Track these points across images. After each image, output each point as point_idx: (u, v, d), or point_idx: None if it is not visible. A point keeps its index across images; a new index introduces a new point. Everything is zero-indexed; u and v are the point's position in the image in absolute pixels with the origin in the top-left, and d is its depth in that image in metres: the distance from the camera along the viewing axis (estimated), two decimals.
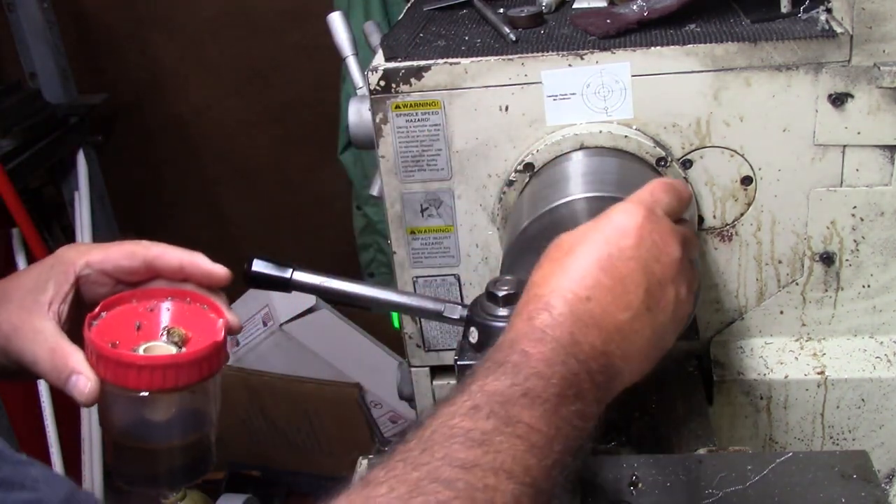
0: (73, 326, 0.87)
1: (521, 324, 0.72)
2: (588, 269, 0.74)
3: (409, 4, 1.45)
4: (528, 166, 1.15)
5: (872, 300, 1.20)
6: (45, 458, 2.43)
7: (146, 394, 0.83)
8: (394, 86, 1.14)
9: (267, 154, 3.26)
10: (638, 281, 0.75)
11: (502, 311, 0.83)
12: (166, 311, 0.90)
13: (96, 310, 0.87)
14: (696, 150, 1.14)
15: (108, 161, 3.07)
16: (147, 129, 3.27)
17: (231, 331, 0.89)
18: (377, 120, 1.16)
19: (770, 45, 1.07)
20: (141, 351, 0.85)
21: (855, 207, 1.15)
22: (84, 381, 0.82)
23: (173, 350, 0.86)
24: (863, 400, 1.19)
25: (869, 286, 1.19)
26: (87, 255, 0.91)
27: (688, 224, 0.86)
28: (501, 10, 1.26)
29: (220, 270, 0.93)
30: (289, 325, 2.75)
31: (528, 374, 0.67)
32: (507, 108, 1.14)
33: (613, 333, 0.73)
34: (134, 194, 3.29)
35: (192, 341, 0.87)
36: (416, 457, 0.62)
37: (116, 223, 3.13)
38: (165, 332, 0.88)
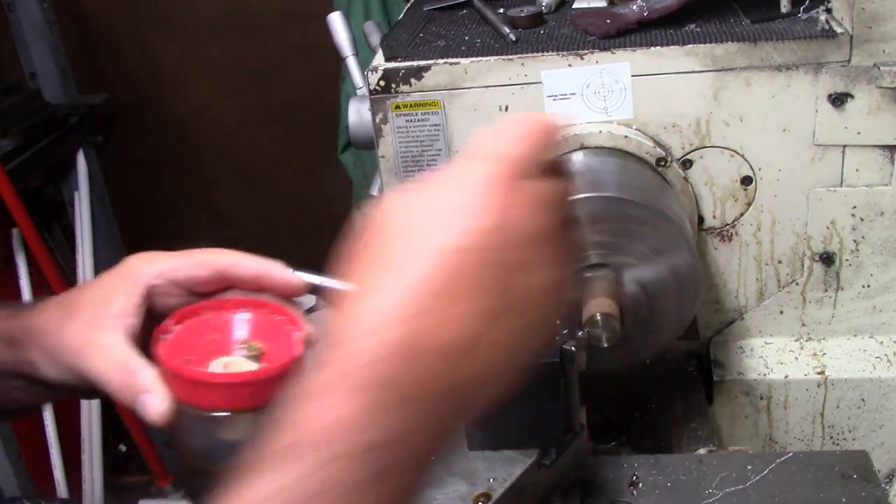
0: (145, 341, 0.81)
1: (317, 382, 0.54)
2: (410, 284, 0.55)
3: (409, 4, 1.45)
4: None
5: (872, 300, 1.20)
6: (45, 458, 2.43)
7: (225, 413, 0.75)
8: (394, 86, 1.14)
9: (267, 154, 3.26)
10: (484, 283, 0.56)
11: None
12: (242, 324, 0.83)
13: (166, 323, 0.81)
14: (695, 150, 1.14)
15: (108, 161, 3.07)
16: (147, 129, 3.27)
17: (309, 343, 0.81)
18: (377, 120, 1.16)
19: (770, 45, 1.07)
20: (217, 367, 0.79)
21: (855, 207, 1.15)
22: (156, 400, 0.75)
23: (251, 365, 0.79)
24: (863, 400, 1.19)
25: (869, 286, 1.19)
26: (157, 264, 0.85)
27: (554, 170, 0.63)
28: (501, 10, 1.26)
29: (297, 280, 0.85)
30: None
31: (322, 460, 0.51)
32: (507, 109, 1.14)
33: (443, 363, 0.54)
34: (134, 194, 3.29)
35: (268, 355, 0.80)
36: None
37: (116, 223, 3.13)
38: (241, 345, 0.81)
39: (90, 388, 0.81)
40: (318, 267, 1.06)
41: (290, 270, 0.85)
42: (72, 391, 0.86)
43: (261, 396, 0.75)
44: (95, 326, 0.80)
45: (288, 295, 0.86)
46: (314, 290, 1.06)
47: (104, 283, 0.84)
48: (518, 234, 0.57)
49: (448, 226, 0.56)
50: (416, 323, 0.54)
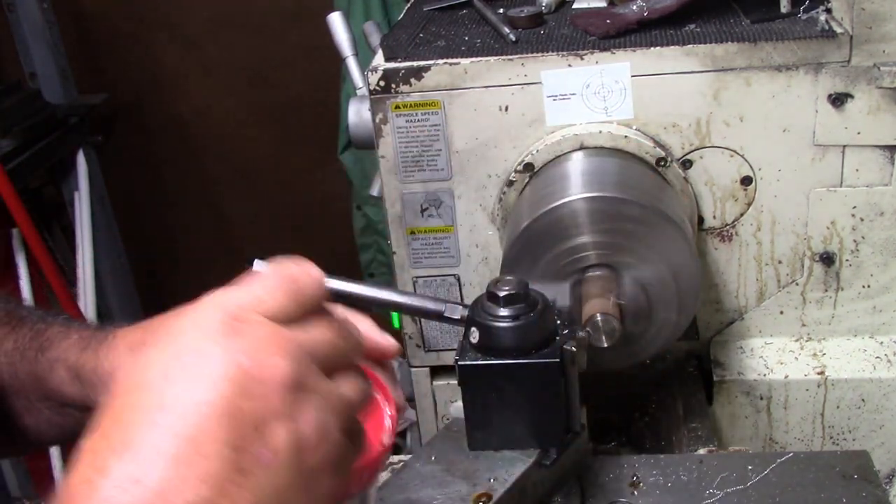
0: None
1: None
2: (135, 436, 0.49)
3: (409, 4, 1.45)
4: (528, 166, 1.15)
5: (872, 300, 1.20)
6: (46, 459, 2.43)
7: None
8: (394, 86, 1.14)
9: (267, 154, 3.26)
10: (212, 437, 0.49)
11: (503, 312, 0.83)
12: None
13: None
14: (696, 150, 1.14)
15: (108, 161, 3.08)
16: (147, 129, 3.27)
17: (397, 421, 0.73)
18: (377, 120, 1.16)
19: (770, 45, 1.07)
20: None
21: (855, 207, 1.15)
22: None
23: None
24: (863, 400, 1.19)
25: (869, 286, 1.19)
26: None
27: (318, 322, 0.58)
28: (501, 11, 1.26)
29: (390, 342, 0.76)
30: None
31: None
32: (506, 109, 1.14)
33: None
34: (134, 194, 3.29)
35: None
36: None
37: (116, 223, 3.13)
38: None
39: None
40: (318, 267, 1.06)
41: (383, 334, 0.77)
42: None
43: (352, 487, 0.67)
44: None
45: (380, 358, 0.77)
46: None
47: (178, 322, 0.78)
48: (259, 377, 0.51)
49: (179, 379, 0.51)
50: (152, 488, 0.47)
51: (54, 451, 2.41)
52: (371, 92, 1.15)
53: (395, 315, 1.33)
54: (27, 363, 0.86)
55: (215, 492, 0.48)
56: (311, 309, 0.58)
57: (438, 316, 0.92)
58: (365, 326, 0.75)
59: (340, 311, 0.70)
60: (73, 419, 0.87)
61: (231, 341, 0.52)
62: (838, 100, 1.09)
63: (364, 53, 1.32)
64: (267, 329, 0.54)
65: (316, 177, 3.15)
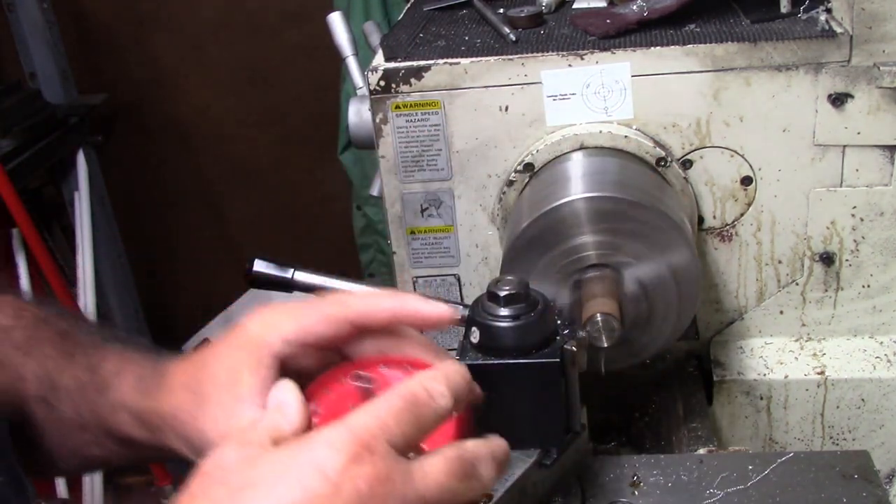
0: None
1: None
2: None
3: (409, 4, 1.45)
4: (528, 166, 1.15)
5: (872, 300, 1.20)
6: None
7: None
8: (394, 86, 1.14)
9: (267, 154, 3.26)
10: None
11: (504, 311, 0.83)
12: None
13: (310, 401, 0.72)
14: (696, 150, 1.14)
15: (108, 161, 3.08)
16: (147, 129, 3.27)
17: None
18: (377, 120, 1.16)
19: (770, 45, 1.08)
20: None
21: (855, 207, 1.15)
22: None
23: None
24: (863, 400, 1.19)
25: (869, 286, 1.19)
26: (281, 330, 0.77)
27: (437, 461, 0.63)
28: (501, 10, 1.26)
29: (437, 311, 0.79)
30: None
31: None
32: (506, 109, 1.14)
33: None
34: (134, 194, 3.29)
35: None
36: None
37: (116, 223, 3.13)
38: None
39: None
40: (318, 267, 1.06)
41: (430, 301, 0.80)
42: None
43: None
44: (230, 414, 0.75)
45: (434, 327, 0.81)
46: (315, 290, 1.06)
47: (228, 358, 0.78)
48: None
49: (301, 493, 0.57)
50: None
51: None
52: (371, 92, 1.15)
53: None
54: (88, 403, 0.86)
55: None
56: (428, 431, 0.64)
57: None
58: (413, 303, 0.79)
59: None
60: (141, 452, 0.87)
61: (354, 472, 0.58)
62: (838, 100, 1.09)
63: (364, 53, 1.32)
64: (389, 462, 0.60)
65: (316, 177, 3.16)
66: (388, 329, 0.80)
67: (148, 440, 0.83)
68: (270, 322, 0.78)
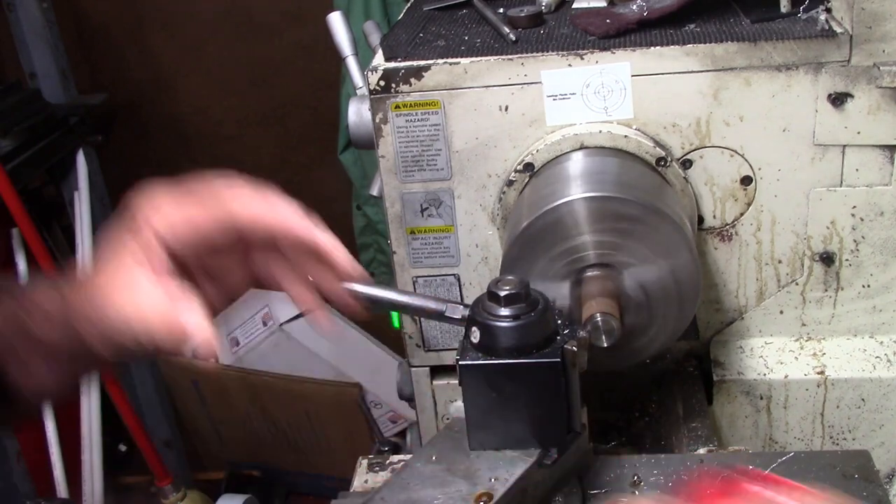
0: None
1: None
2: None
3: (408, 4, 1.45)
4: (528, 166, 1.15)
5: (872, 300, 1.20)
6: (46, 459, 2.43)
7: None
8: (394, 86, 1.14)
9: (267, 154, 3.26)
10: None
11: (504, 311, 0.83)
12: None
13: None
14: (695, 150, 1.14)
15: (108, 161, 3.07)
16: (147, 129, 3.27)
17: None
18: (377, 120, 1.16)
19: (770, 45, 1.08)
20: None
21: (855, 207, 1.15)
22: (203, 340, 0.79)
23: None
24: (863, 400, 1.19)
25: (869, 286, 1.19)
26: (168, 219, 0.84)
27: None
28: (501, 10, 1.26)
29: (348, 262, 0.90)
30: (289, 325, 2.76)
31: None
32: (506, 108, 1.14)
33: None
34: None
35: None
36: None
37: None
38: None
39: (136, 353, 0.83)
40: None
41: (318, 229, 0.92)
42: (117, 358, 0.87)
43: None
44: (119, 281, 0.82)
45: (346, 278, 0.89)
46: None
47: (115, 239, 0.85)
48: None
49: None
50: None
51: (54, 451, 2.41)
52: (371, 92, 1.15)
53: (395, 315, 1.33)
54: (18, 326, 0.89)
55: None
56: None
57: (439, 316, 0.93)
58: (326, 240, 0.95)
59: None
60: (64, 365, 0.89)
61: None
62: (838, 99, 1.09)
63: (364, 53, 1.32)
64: None
65: (316, 177, 3.16)
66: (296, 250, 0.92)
67: (67, 343, 0.86)
68: (156, 207, 0.85)
